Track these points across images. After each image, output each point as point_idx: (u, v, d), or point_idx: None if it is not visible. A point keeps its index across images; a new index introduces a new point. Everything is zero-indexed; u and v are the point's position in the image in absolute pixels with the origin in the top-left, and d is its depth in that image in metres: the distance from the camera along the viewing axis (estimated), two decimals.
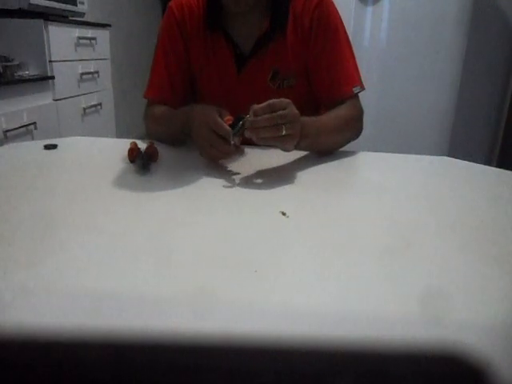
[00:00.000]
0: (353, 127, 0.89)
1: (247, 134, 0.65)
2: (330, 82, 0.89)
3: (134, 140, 0.80)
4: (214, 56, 0.91)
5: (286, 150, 0.71)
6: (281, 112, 0.64)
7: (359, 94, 0.91)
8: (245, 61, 0.90)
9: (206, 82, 0.94)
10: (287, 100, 0.66)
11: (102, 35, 2.24)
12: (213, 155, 0.73)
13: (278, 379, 0.16)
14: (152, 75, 0.96)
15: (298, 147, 0.73)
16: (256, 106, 0.65)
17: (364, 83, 0.92)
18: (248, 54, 0.90)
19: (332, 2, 0.89)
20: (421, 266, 0.43)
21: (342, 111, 0.86)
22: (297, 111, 0.67)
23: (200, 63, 0.93)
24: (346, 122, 0.87)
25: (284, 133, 0.65)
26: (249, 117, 0.65)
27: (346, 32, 0.90)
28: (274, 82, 0.91)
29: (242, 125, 0.66)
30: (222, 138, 0.68)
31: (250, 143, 0.90)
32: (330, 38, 0.88)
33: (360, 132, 0.91)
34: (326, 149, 0.85)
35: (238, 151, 0.73)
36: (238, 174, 0.70)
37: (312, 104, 0.95)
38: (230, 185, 0.66)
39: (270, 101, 0.65)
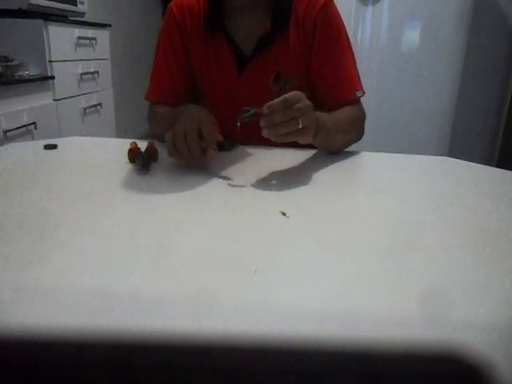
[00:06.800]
0: (357, 128, 0.90)
1: (265, 134, 0.63)
2: (332, 86, 0.90)
3: (134, 140, 0.80)
4: (214, 56, 0.91)
5: (303, 142, 0.70)
6: (296, 105, 0.63)
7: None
8: (246, 62, 0.90)
9: (206, 82, 0.94)
10: (300, 93, 0.66)
11: (102, 35, 2.24)
12: (179, 151, 0.67)
13: (278, 379, 0.16)
14: (153, 77, 0.96)
15: (314, 141, 0.73)
16: (271, 102, 0.63)
17: (364, 83, 0.92)
18: (249, 54, 0.89)
19: (335, 6, 0.89)
20: (421, 265, 0.43)
21: (346, 112, 0.87)
22: (310, 103, 0.66)
23: (200, 64, 0.93)
24: (351, 122, 0.87)
25: (301, 126, 0.63)
26: (260, 109, 0.63)
27: (348, 36, 0.91)
28: (277, 84, 0.90)
29: (252, 114, 0.65)
30: (198, 141, 0.67)
31: (251, 143, 0.90)
32: (333, 42, 0.88)
33: (362, 135, 0.92)
34: (334, 146, 0.85)
35: (205, 158, 0.68)
36: (238, 174, 0.70)
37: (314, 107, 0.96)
38: (229, 185, 0.66)
39: (286, 95, 0.63)
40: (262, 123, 0.63)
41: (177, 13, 0.91)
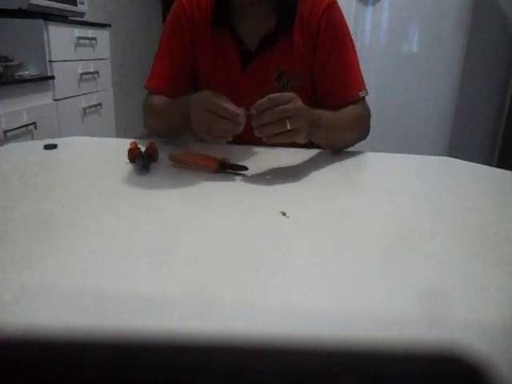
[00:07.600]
0: (362, 127, 0.91)
1: (257, 133, 0.65)
2: (336, 86, 0.90)
3: (134, 140, 0.80)
4: (219, 52, 0.91)
5: (298, 142, 0.70)
6: (282, 106, 0.64)
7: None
8: (250, 59, 0.90)
9: (210, 77, 0.94)
10: (291, 94, 0.66)
11: (102, 35, 2.24)
12: (215, 136, 0.68)
13: (278, 379, 0.16)
14: (155, 65, 0.95)
15: (313, 138, 0.73)
16: (257, 102, 0.64)
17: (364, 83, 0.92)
18: (253, 51, 0.90)
19: (339, 8, 0.90)
20: (421, 266, 0.43)
21: (352, 110, 0.87)
22: (302, 104, 0.67)
23: (206, 59, 0.93)
24: (356, 121, 0.88)
25: (289, 127, 0.64)
26: (250, 110, 0.65)
27: (351, 37, 0.92)
28: (279, 83, 0.91)
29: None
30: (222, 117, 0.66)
31: (252, 143, 0.90)
32: (337, 42, 0.89)
33: (367, 133, 0.92)
34: (338, 144, 0.85)
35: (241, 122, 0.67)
36: (238, 174, 0.70)
37: (316, 106, 0.96)
38: (229, 185, 0.66)
39: (270, 95, 0.64)
40: (253, 123, 0.65)
41: (186, 4, 0.91)
